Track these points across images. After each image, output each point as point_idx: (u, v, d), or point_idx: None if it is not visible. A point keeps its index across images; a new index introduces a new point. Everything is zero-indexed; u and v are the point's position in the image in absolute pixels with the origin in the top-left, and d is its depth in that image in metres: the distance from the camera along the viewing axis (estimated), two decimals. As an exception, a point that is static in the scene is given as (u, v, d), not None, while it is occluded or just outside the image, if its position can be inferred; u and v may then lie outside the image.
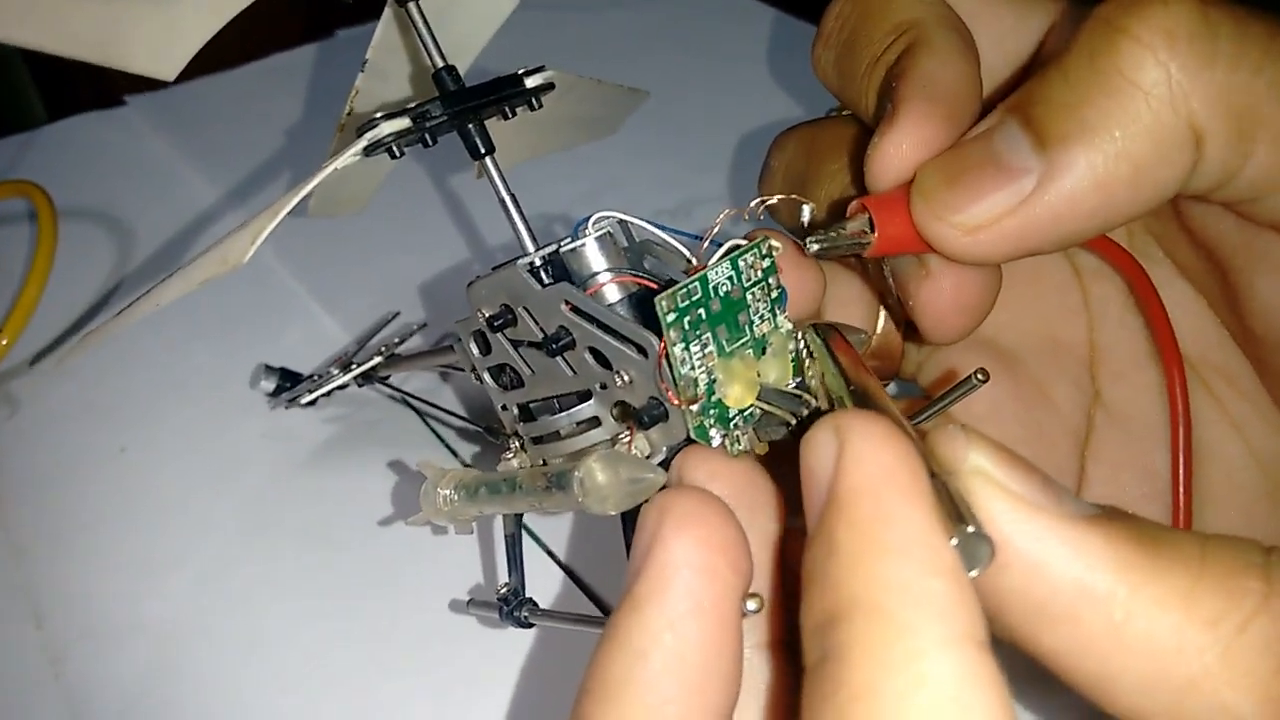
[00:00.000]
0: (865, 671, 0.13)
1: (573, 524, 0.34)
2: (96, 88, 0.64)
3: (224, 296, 0.45)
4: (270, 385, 0.38)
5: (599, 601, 0.31)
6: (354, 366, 0.36)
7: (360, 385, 0.37)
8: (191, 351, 0.42)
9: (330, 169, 0.21)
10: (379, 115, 0.22)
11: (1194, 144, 0.18)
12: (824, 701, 0.13)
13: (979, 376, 0.20)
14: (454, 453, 0.38)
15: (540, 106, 0.24)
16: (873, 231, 0.20)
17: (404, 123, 0.22)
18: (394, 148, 0.22)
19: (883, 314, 0.25)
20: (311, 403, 0.38)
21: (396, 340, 0.37)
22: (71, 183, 0.51)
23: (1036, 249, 0.19)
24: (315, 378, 0.37)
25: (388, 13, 0.27)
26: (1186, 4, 0.18)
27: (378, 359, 0.36)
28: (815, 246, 0.21)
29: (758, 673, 0.18)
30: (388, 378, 0.37)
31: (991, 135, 0.19)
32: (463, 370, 0.27)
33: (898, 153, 0.20)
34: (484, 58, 0.29)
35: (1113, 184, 0.18)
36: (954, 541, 0.14)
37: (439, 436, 0.38)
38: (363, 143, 0.22)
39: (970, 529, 0.14)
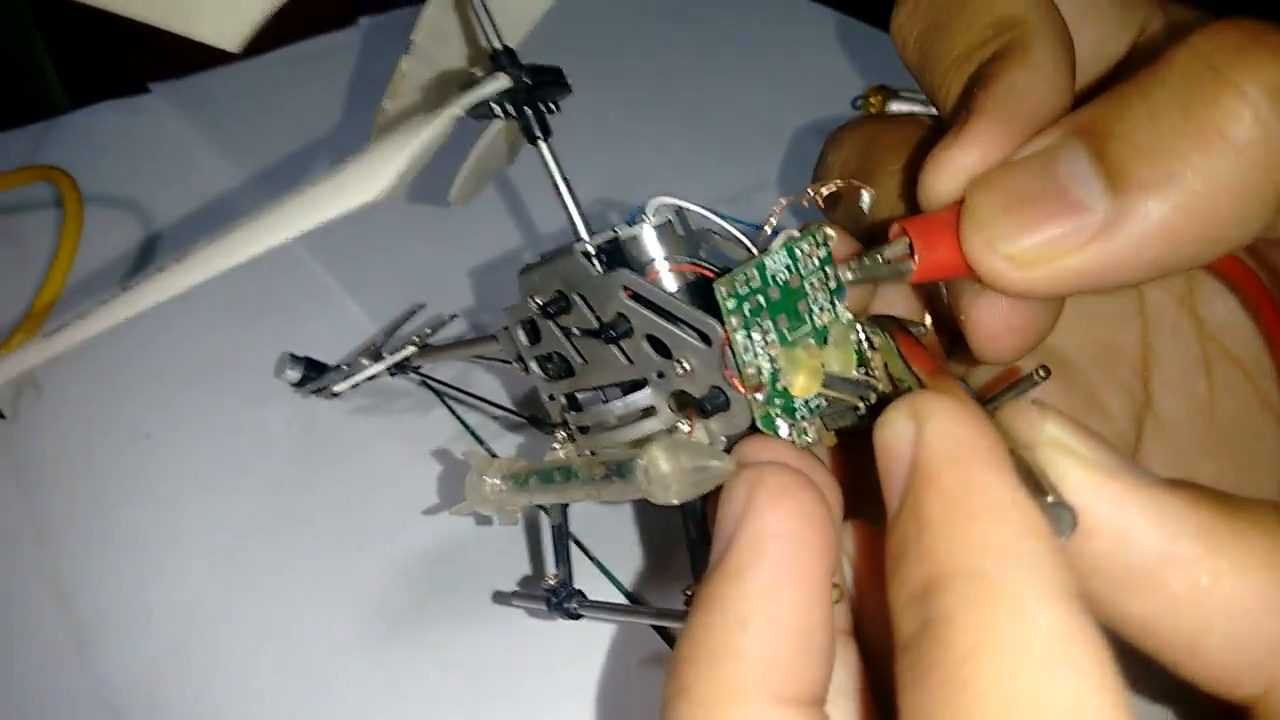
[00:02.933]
0: (971, 632, 0.13)
1: (599, 520, 0.34)
2: (119, 76, 0.64)
3: (250, 283, 0.45)
4: (295, 375, 0.38)
5: (631, 596, 0.31)
6: (384, 356, 0.36)
7: (392, 375, 0.37)
8: (217, 338, 0.42)
9: (449, 117, 0.21)
10: (477, 71, 0.22)
11: (1276, 206, 0.17)
12: (932, 667, 0.13)
13: (1040, 373, 0.19)
14: (480, 440, 0.37)
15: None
16: (913, 258, 0.19)
17: (506, 82, 0.21)
18: (495, 105, 0.22)
19: (927, 316, 0.24)
20: (336, 393, 0.38)
21: (428, 331, 0.36)
22: (95, 169, 0.51)
23: (1090, 290, 0.18)
24: (344, 367, 0.37)
25: None
26: None
27: (411, 349, 0.35)
28: (850, 275, 0.20)
29: (843, 654, 0.18)
30: (419, 368, 0.37)
31: (1055, 160, 0.18)
32: (501, 360, 0.27)
33: (957, 168, 0.19)
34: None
35: (1184, 239, 0.17)
36: None
37: (464, 424, 0.38)
38: (471, 97, 0.21)
39: (1051, 499, 0.15)
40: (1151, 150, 0.17)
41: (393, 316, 0.40)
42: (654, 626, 0.29)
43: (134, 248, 0.49)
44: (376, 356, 0.36)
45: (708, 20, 0.66)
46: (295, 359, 0.38)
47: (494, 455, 0.29)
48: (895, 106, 0.50)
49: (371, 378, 0.36)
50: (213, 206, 0.52)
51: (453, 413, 0.38)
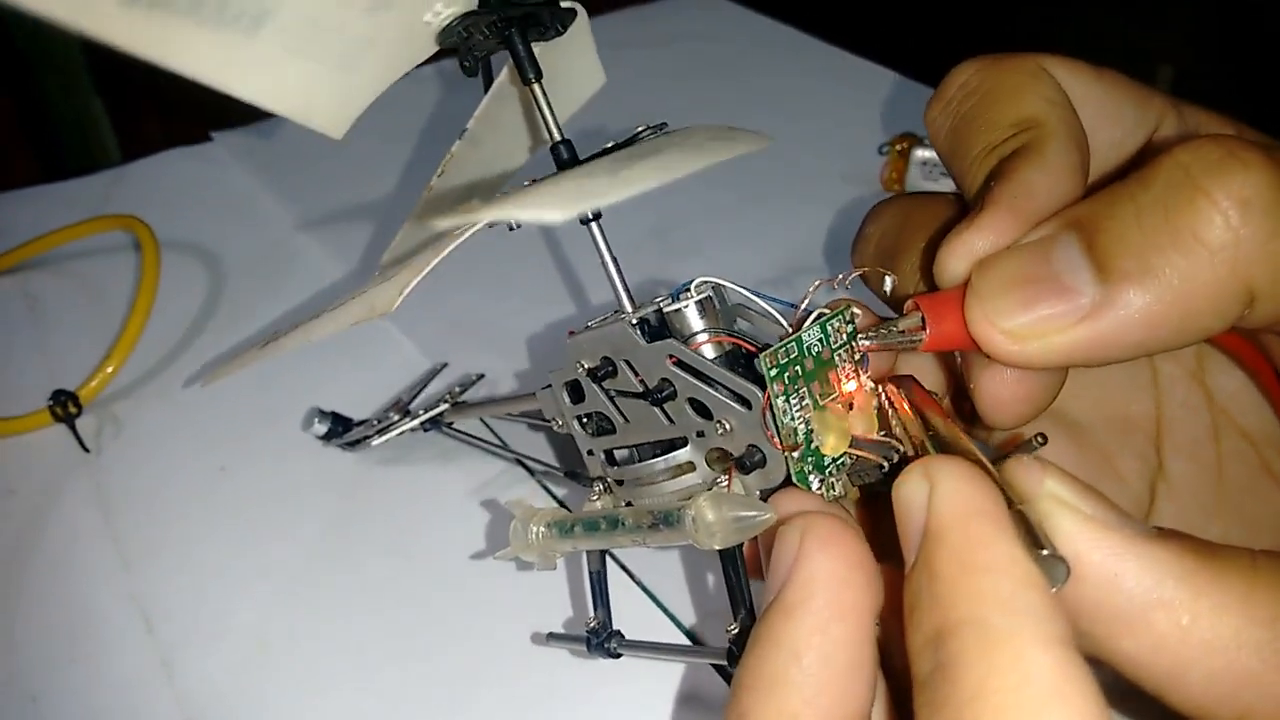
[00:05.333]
0: (977, 675, 0.15)
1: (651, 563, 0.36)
2: (166, 126, 0.68)
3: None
4: (322, 429, 0.40)
5: (689, 633, 0.33)
6: (418, 412, 0.38)
7: (426, 430, 0.39)
8: (284, 379, 0.45)
9: (461, 240, 0.24)
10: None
11: (1247, 301, 0.19)
12: (944, 704, 0.16)
13: (1038, 439, 0.22)
14: (549, 490, 0.39)
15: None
16: (925, 330, 0.21)
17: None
18: (511, 223, 0.24)
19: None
20: (355, 444, 0.40)
21: (458, 389, 0.39)
22: (161, 215, 0.53)
23: (1080, 364, 0.20)
24: (374, 422, 0.39)
25: (497, 87, 0.30)
26: (1265, 173, 0.18)
27: (444, 406, 0.38)
28: (866, 342, 0.22)
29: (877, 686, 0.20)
30: (451, 423, 0.39)
31: (1052, 248, 0.20)
32: (535, 419, 0.29)
33: (968, 251, 0.21)
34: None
35: (1162, 325, 0.19)
36: None
37: (530, 470, 0.40)
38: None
39: (1046, 552, 0.17)
40: (1135, 245, 0.19)
41: (450, 360, 0.43)
42: (695, 663, 0.31)
43: (203, 289, 0.52)
44: (405, 412, 0.39)
45: (762, 81, 0.68)
46: (323, 414, 0.40)
47: (562, 504, 0.31)
48: (920, 154, 0.53)
49: (403, 432, 0.38)
50: (274, 247, 0.55)
51: (521, 465, 0.40)
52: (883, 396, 0.22)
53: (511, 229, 0.25)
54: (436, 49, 0.27)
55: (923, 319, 0.22)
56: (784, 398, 0.21)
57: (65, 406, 0.42)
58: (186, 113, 0.66)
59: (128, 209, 0.54)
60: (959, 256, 0.21)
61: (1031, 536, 0.17)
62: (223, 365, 0.32)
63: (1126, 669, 0.18)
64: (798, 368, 0.21)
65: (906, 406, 0.21)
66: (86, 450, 0.42)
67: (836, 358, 0.22)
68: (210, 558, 0.38)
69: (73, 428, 0.42)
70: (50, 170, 0.65)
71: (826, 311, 0.22)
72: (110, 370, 0.44)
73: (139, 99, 0.85)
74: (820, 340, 0.22)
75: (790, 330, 0.22)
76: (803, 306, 0.22)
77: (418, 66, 0.28)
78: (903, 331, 0.22)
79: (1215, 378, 0.26)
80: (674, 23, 0.76)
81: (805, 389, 0.21)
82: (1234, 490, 0.26)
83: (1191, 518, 0.26)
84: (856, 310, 0.22)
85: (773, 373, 0.21)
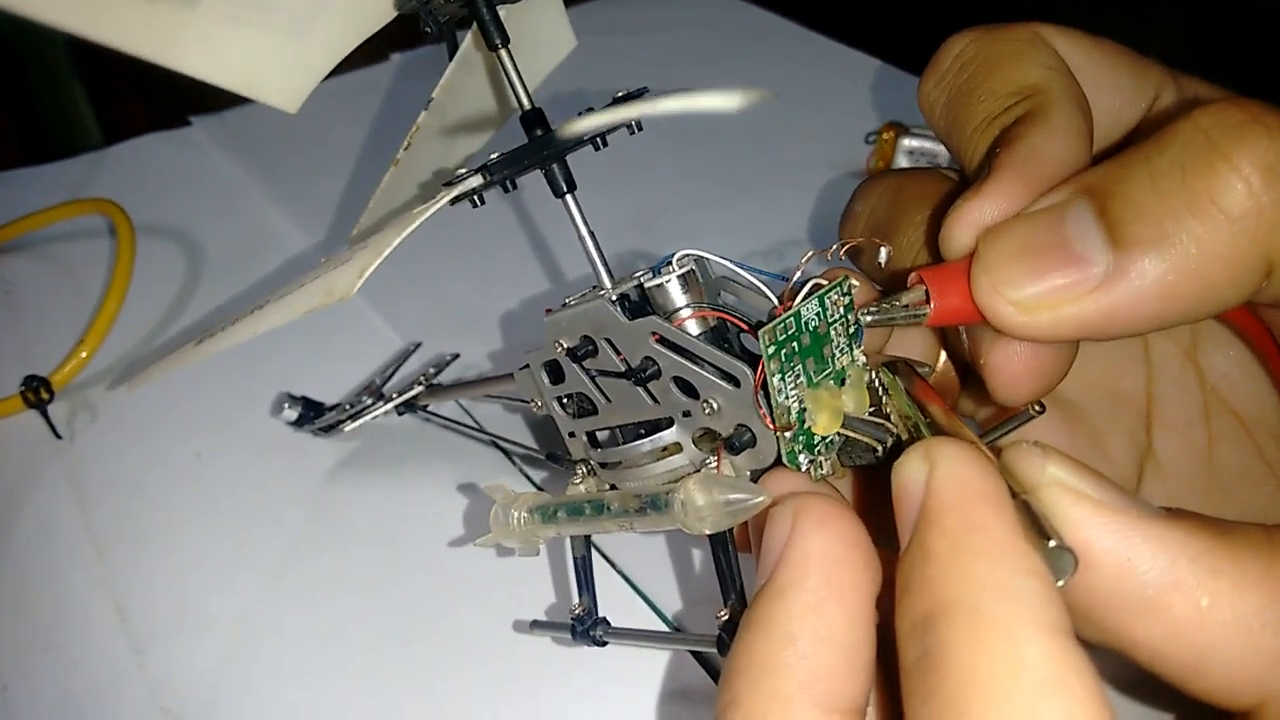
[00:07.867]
0: (967, 662, 0.15)
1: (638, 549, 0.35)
2: (150, 110, 0.67)
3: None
4: (293, 414, 0.39)
5: (668, 620, 0.32)
6: (392, 396, 0.37)
7: (401, 414, 0.38)
8: (261, 362, 0.44)
9: (422, 219, 0.23)
10: (464, 171, 0.23)
11: (1266, 272, 0.18)
12: (932, 693, 0.15)
13: (1035, 408, 0.21)
14: (527, 475, 0.38)
15: (640, 130, 0.24)
16: (929, 304, 0.21)
17: (478, 180, 0.23)
18: (475, 199, 0.24)
19: (942, 354, 0.26)
20: (328, 429, 0.39)
21: (433, 370, 0.38)
22: (140, 200, 0.52)
23: (1089, 338, 0.20)
24: (346, 406, 0.38)
25: (462, 54, 0.29)
26: None
27: (419, 388, 0.37)
28: (869, 318, 0.21)
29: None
30: (426, 406, 0.38)
31: (1063, 216, 0.19)
32: (513, 399, 0.28)
33: (976, 220, 0.20)
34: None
35: (1178, 296, 0.18)
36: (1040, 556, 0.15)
37: (510, 456, 0.39)
38: (453, 193, 0.23)
39: (1053, 543, 0.16)
40: (1150, 211, 0.18)
41: (424, 340, 0.42)
42: (687, 652, 0.30)
43: (179, 275, 0.51)
44: (378, 395, 0.37)
45: (744, 66, 0.67)
46: (293, 399, 0.39)
47: (539, 488, 0.30)
48: (908, 142, 0.52)
49: (377, 416, 0.37)
50: (253, 232, 0.54)
51: (502, 451, 0.39)
52: (874, 377, 0.21)
53: (475, 206, 0.24)
54: (395, 14, 0.26)
55: (926, 293, 0.21)
56: (780, 375, 0.20)
57: (37, 392, 0.41)
58: (170, 97, 0.64)
59: (106, 193, 0.53)
60: (965, 226, 0.20)
61: (1037, 527, 0.16)
62: (161, 363, 0.31)
63: (1144, 658, 0.17)
64: (794, 343, 0.20)
65: (904, 392, 0.21)
66: (59, 437, 0.41)
67: (832, 332, 0.21)
68: (185, 545, 0.37)
69: (45, 414, 0.41)
70: (32, 154, 0.63)
71: (823, 283, 0.21)
72: (84, 355, 0.43)
73: (122, 83, 0.84)
74: (818, 314, 0.21)
75: (778, 303, 0.21)
76: (795, 278, 0.21)
77: (379, 34, 0.27)
78: (906, 306, 0.21)
79: (1208, 357, 0.26)
80: (660, 10, 0.75)
81: (800, 365, 0.20)
82: (1225, 474, 0.26)
83: (1180, 500, 0.25)
84: (854, 282, 0.21)
85: (771, 349, 0.20)
